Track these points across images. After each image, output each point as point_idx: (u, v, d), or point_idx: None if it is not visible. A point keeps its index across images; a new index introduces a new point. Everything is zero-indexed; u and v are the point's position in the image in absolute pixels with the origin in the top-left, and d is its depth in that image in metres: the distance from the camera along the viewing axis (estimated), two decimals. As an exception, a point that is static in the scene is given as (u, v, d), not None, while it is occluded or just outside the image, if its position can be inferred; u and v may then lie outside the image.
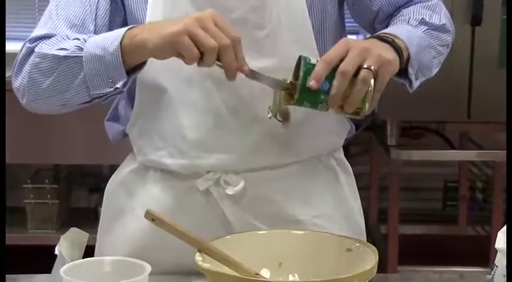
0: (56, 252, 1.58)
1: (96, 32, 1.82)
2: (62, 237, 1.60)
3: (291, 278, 1.55)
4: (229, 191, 1.80)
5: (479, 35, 3.76)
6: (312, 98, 1.49)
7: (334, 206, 1.90)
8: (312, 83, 1.49)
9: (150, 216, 1.43)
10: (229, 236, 1.60)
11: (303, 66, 1.47)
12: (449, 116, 4.00)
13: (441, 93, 3.74)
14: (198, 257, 1.41)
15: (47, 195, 4.41)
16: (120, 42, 1.60)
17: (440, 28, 1.87)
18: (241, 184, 1.80)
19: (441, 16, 1.90)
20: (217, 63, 1.54)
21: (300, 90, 1.47)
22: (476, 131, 4.27)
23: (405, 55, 1.69)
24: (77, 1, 1.87)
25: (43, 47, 1.75)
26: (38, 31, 1.84)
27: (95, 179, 4.82)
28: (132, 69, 1.66)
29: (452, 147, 4.20)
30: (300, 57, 1.50)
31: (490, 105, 3.78)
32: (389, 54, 1.62)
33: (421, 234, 4.19)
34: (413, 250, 3.79)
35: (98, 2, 1.87)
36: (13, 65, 1.79)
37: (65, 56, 1.70)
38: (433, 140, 4.22)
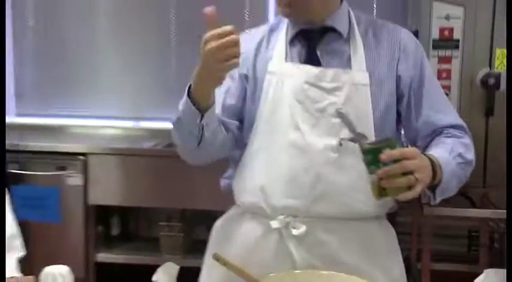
0: (153, 279, 1.99)
1: (223, 110, 2.10)
2: (159, 269, 1.98)
3: None
4: (295, 232, 1.98)
5: (492, 123, 3.87)
6: (374, 159, 1.64)
7: (375, 259, 2.05)
8: (384, 156, 1.67)
9: (221, 260, 1.73)
10: (282, 273, 1.81)
11: (392, 143, 1.66)
12: (470, 183, 4.06)
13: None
14: None
15: (176, 230, 4.69)
16: (188, 95, 1.89)
17: (469, 163, 2.05)
18: (304, 228, 1.98)
19: (472, 154, 2.07)
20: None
21: (374, 150, 1.64)
22: (493, 194, 4.14)
23: (437, 179, 1.88)
24: (228, 86, 2.13)
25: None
26: None
27: (212, 219, 5.10)
28: (205, 109, 1.90)
29: (474, 206, 4.09)
30: (394, 138, 1.74)
31: (502, 175, 3.91)
32: (428, 181, 1.81)
33: (449, 270, 4.22)
34: (440, 283, 3.91)
35: (241, 89, 2.14)
36: None
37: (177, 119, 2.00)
38: (460, 200, 4.02)
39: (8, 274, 2.00)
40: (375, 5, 4.96)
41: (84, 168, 4.59)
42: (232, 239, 2.13)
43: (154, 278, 1.97)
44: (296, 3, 2.01)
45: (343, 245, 2.02)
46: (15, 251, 2.26)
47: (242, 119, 2.18)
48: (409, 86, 2.07)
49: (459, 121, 2.12)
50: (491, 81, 3.79)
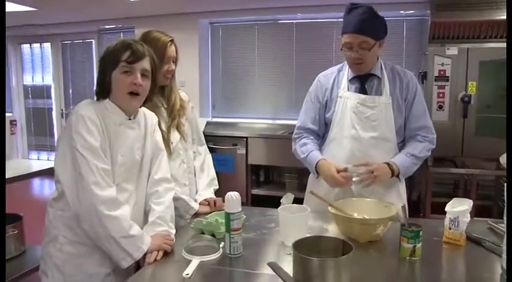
0: (281, 201, 1.92)
1: (318, 123, 2.18)
2: (284, 196, 1.93)
3: (365, 216, 1.79)
4: (354, 179, 2.08)
5: (466, 121, 4.06)
6: (416, 235, 1.53)
7: (392, 192, 2.13)
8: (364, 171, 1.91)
9: (314, 194, 1.89)
10: (342, 200, 1.91)
11: (420, 229, 1.53)
12: (455, 155, 4.14)
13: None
14: (330, 209, 1.79)
15: (294, 178, 5.05)
16: (315, 166, 2.08)
17: (421, 158, 2.07)
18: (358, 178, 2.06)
19: (424, 152, 2.07)
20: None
21: (416, 231, 1.53)
22: (467, 161, 4.24)
23: (397, 172, 2.01)
24: (310, 107, 2.22)
25: (297, 143, 2.23)
26: (299, 121, 2.25)
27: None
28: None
29: (457, 167, 4.26)
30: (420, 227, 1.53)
31: (472, 150, 4.04)
32: (388, 176, 1.99)
33: (441, 201, 3.69)
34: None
35: (319, 109, 2.21)
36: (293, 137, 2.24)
37: (303, 157, 2.18)
38: (449, 164, 4.28)
39: (208, 197, 2.16)
40: (404, 57, 5.07)
41: (246, 145, 5.10)
42: (320, 183, 2.20)
43: (281, 200, 1.92)
44: (363, 65, 2.08)
45: (376, 185, 2.09)
46: (214, 186, 2.27)
47: (319, 124, 2.24)
48: (407, 105, 2.12)
49: (428, 124, 2.15)
50: (466, 99, 4.00)
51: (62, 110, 6.79)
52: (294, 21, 5.48)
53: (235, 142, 5.09)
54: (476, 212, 3.84)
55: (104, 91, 1.66)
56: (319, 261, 1.30)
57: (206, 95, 5.92)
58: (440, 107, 4.12)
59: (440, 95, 4.11)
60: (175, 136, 2.06)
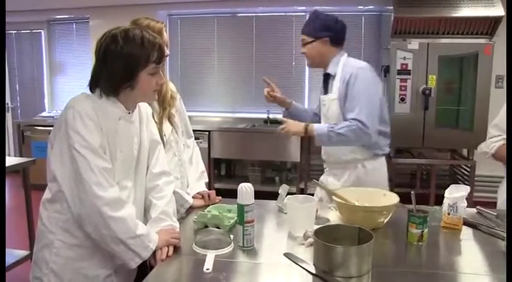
0: (279, 191, 1.97)
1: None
2: (280, 187, 1.97)
3: (366, 204, 1.80)
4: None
5: (427, 113, 4.20)
6: (423, 221, 1.59)
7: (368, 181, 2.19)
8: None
9: (316, 183, 2.00)
10: (342, 189, 1.92)
11: (428, 214, 1.59)
12: (415, 145, 4.28)
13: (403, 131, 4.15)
14: (335, 198, 1.81)
15: (257, 171, 5.22)
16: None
17: (340, 135, 2.10)
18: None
19: (345, 128, 2.09)
20: None
21: (423, 217, 1.59)
22: (425, 152, 4.37)
23: (309, 133, 2.14)
24: None
25: None
26: None
27: (274, 164, 5.35)
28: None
29: (414, 158, 4.40)
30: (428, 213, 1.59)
31: (432, 140, 4.17)
32: (301, 131, 2.14)
33: (401, 191, 4.02)
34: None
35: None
36: None
37: None
38: (407, 155, 4.41)
39: (200, 190, 2.11)
40: (362, 51, 5.17)
41: (208, 138, 5.11)
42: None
43: (279, 191, 1.89)
44: (308, 60, 2.27)
45: (352, 175, 2.26)
46: (204, 179, 2.22)
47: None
48: (343, 99, 2.17)
49: (356, 116, 2.09)
50: (427, 91, 4.12)
51: (8, 104, 6.39)
52: (254, 14, 5.49)
53: (197, 136, 4.93)
54: (436, 201, 4.05)
55: (119, 89, 1.53)
56: (344, 249, 1.32)
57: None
58: (402, 100, 4.25)
59: (403, 88, 4.22)
60: (167, 127, 2.00)
